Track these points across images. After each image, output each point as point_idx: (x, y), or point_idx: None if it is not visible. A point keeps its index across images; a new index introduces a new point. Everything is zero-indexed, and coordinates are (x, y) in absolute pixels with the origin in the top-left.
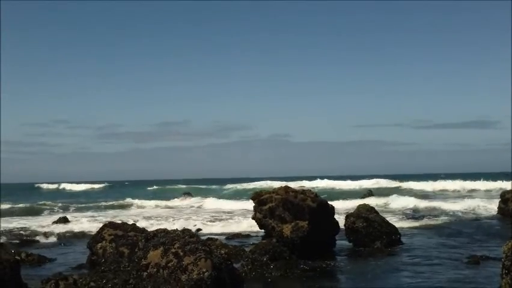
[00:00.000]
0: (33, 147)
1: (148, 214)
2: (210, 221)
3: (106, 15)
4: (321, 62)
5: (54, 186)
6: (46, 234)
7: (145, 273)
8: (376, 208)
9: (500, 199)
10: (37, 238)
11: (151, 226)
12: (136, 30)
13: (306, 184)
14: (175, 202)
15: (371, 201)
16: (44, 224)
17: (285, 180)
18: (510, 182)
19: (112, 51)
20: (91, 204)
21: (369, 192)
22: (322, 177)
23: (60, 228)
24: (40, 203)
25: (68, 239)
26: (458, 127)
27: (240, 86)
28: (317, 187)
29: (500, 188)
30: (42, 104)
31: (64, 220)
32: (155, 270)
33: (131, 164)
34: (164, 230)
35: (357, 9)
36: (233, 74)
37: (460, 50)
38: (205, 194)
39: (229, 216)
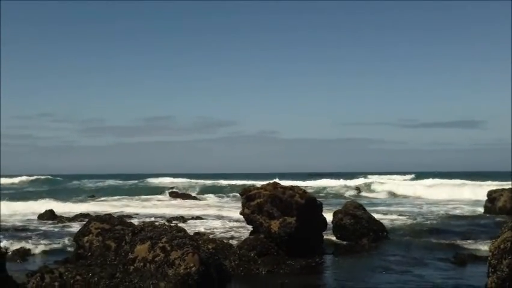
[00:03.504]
0: (18, 140)
1: None
2: None
3: (90, 11)
4: (308, 59)
5: None
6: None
7: (132, 267)
8: None
9: (486, 198)
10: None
11: None
12: (121, 25)
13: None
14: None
15: None
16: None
17: (273, 178)
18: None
19: (97, 46)
20: None
21: (357, 189)
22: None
23: (47, 221)
24: None
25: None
26: (444, 126)
27: (226, 82)
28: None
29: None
30: (27, 97)
31: (51, 213)
32: (142, 264)
33: (116, 158)
34: (152, 224)
35: (345, 7)
36: (219, 69)
37: (447, 49)
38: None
39: None
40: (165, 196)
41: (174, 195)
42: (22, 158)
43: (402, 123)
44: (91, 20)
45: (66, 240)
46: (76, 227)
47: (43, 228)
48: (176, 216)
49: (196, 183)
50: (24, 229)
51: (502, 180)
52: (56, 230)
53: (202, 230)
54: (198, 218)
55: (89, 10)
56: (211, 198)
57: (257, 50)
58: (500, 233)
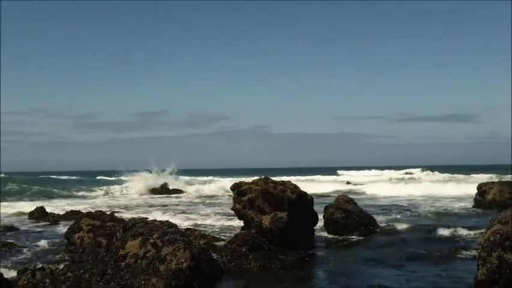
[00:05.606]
0: (10, 136)
1: None
2: None
3: (84, 7)
4: (301, 54)
5: None
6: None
7: (123, 264)
8: None
9: (476, 191)
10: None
11: None
12: (115, 21)
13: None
14: None
15: None
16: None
17: (267, 173)
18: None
19: (89, 41)
20: None
21: (349, 184)
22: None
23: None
24: None
25: (45, 229)
26: (439, 120)
27: (219, 76)
28: None
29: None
30: (19, 93)
31: (41, 210)
32: (133, 260)
33: (109, 154)
34: (143, 220)
35: (340, 1)
36: (213, 64)
37: (441, 43)
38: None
39: None
40: (154, 193)
41: (165, 191)
42: (13, 154)
43: (396, 118)
44: (84, 15)
45: (56, 238)
46: (67, 224)
47: (33, 226)
48: (167, 212)
49: (189, 178)
50: (14, 228)
51: (499, 174)
52: (46, 227)
53: (193, 225)
54: (190, 213)
55: (83, 6)
56: (203, 193)
57: (251, 45)
58: (489, 225)
